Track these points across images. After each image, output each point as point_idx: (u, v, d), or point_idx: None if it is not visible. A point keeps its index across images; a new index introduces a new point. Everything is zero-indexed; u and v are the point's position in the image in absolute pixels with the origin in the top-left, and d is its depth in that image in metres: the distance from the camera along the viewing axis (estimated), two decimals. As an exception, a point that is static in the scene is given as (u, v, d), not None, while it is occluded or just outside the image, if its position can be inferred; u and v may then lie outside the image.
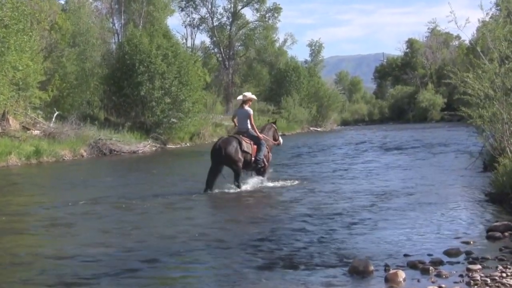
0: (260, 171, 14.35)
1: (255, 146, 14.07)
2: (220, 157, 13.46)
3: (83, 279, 6.53)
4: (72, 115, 31.06)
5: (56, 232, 9.49)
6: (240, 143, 13.70)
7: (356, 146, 28.87)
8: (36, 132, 28.29)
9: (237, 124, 14.49)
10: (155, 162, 25.18)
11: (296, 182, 14.77)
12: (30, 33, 26.78)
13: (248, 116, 14.23)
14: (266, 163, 14.43)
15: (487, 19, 15.89)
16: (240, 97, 14.77)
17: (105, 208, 11.59)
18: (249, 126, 14.21)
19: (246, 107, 14.36)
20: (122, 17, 46.80)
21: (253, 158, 13.98)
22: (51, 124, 29.64)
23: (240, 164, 13.70)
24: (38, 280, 6.52)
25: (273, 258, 7.20)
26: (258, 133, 14.34)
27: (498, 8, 18.20)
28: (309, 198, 12.28)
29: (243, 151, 13.74)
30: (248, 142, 13.97)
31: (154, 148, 32.96)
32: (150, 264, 7.10)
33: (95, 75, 37.03)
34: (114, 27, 47.72)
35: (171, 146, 35.46)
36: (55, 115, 31.00)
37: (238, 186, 13.59)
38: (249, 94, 14.80)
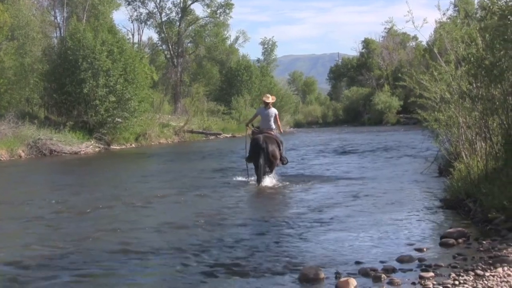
0: (273, 167, 15.38)
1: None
2: (264, 153, 14.67)
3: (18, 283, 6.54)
4: (9, 113, 30.14)
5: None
6: (277, 141, 15.19)
7: (309, 150, 28.54)
8: (-30, 130, 27.07)
9: (260, 123, 15.90)
10: (97, 164, 24.46)
11: (248, 186, 14.97)
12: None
13: (275, 116, 15.68)
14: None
15: (444, 19, 15.80)
16: (269, 100, 15.81)
17: (44, 212, 11.37)
18: (274, 126, 15.66)
19: (272, 108, 15.78)
20: (65, 10, 45.15)
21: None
22: (-13, 123, 28.35)
23: (278, 161, 15.22)
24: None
25: (220, 265, 7.14)
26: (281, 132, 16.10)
27: (455, 8, 17.94)
28: (258, 202, 12.66)
29: (279, 149, 15.20)
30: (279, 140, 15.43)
31: (97, 149, 32.12)
32: (93, 270, 7.04)
33: (35, 71, 35.69)
34: (56, 20, 46.07)
35: (115, 147, 34.49)
36: (-9, 113, 29.63)
37: (259, 182, 14.70)
38: (272, 97, 16.13)
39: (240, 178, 16.11)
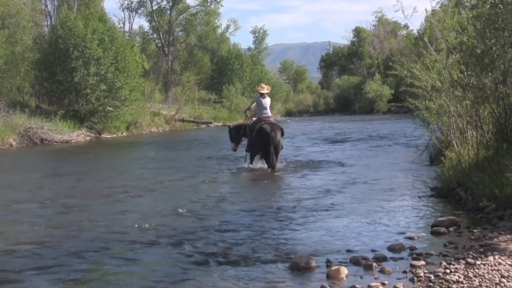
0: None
1: None
2: (273, 141, 15.13)
3: (11, 273, 6.53)
4: (0, 102, 29.89)
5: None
6: (281, 129, 15.75)
7: (301, 138, 28.54)
8: (-40, 119, 26.95)
9: (259, 112, 15.97)
10: (90, 153, 24.25)
11: (242, 173, 15.22)
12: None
13: (270, 105, 16.23)
14: None
15: (436, 8, 15.82)
16: (265, 90, 16.20)
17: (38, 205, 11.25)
18: (271, 114, 16.18)
19: (268, 97, 16.20)
20: (56, -2, 44.84)
21: None
22: (-23, 111, 28.24)
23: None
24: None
25: (211, 254, 7.12)
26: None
27: None
28: (250, 191, 12.63)
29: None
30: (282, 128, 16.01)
31: (88, 138, 32.05)
32: (81, 260, 6.99)
33: (26, 60, 35.52)
34: (46, 9, 45.62)
35: (106, 136, 34.40)
36: (-19, 101, 29.46)
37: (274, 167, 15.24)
38: (267, 87, 16.64)
39: (235, 166, 16.34)
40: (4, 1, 34.71)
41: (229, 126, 17.16)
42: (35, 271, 6.58)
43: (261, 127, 15.43)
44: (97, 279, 6.37)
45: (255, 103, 16.42)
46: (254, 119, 16.30)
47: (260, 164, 15.92)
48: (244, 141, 16.67)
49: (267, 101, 16.04)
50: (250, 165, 15.92)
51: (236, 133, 16.82)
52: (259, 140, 15.35)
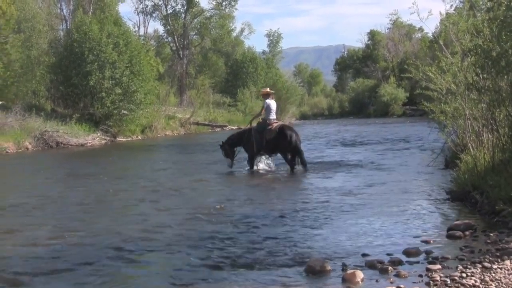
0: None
1: None
2: (290, 146, 15.63)
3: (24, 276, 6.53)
4: (16, 106, 30.30)
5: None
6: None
7: (316, 142, 28.40)
8: (-23, 123, 27.11)
9: (267, 114, 16.26)
10: (106, 156, 24.39)
11: (251, 181, 15.06)
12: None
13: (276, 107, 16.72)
14: None
15: (450, 11, 15.78)
16: (267, 89, 17.11)
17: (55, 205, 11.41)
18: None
19: (274, 100, 16.73)
20: (71, 2, 45.03)
21: None
22: (-6, 115, 28.42)
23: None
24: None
25: (227, 257, 7.11)
26: None
27: (461, 0, 17.90)
28: (266, 195, 12.43)
29: None
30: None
31: (103, 141, 32.18)
32: (94, 264, 6.96)
33: (41, 64, 35.91)
34: (62, 13, 45.89)
35: (121, 139, 34.53)
36: (-2, 105, 29.68)
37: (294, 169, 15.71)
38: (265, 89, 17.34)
39: (254, 168, 16.34)
40: (20, 6, 35.01)
41: (222, 142, 16.77)
42: (50, 274, 6.59)
43: (283, 130, 15.88)
44: (111, 282, 6.37)
45: (265, 106, 16.49)
46: (259, 121, 16.64)
47: (261, 165, 16.30)
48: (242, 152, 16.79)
49: (274, 104, 16.52)
50: (254, 167, 16.17)
51: (231, 147, 16.63)
52: (283, 141, 15.68)
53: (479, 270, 6.14)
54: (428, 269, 6.33)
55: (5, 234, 8.70)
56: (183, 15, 59.60)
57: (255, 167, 16.18)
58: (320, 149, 23.68)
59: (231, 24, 64.69)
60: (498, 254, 6.65)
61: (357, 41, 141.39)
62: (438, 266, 6.40)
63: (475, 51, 10.33)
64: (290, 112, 62.32)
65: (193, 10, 59.46)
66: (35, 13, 36.34)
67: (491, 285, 5.68)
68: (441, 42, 13.82)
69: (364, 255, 7.06)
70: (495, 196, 8.93)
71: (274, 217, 9.52)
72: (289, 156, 15.85)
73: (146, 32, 61.50)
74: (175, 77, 58.38)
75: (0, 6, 32.72)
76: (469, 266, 6.30)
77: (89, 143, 30.24)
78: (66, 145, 28.69)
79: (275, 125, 16.02)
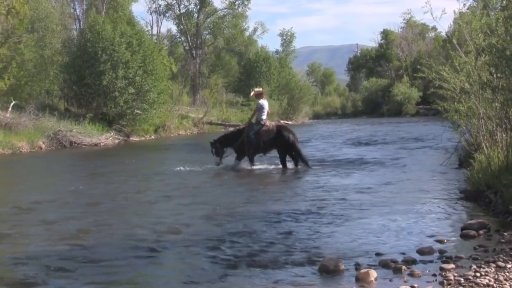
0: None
1: None
2: (289, 145, 16.14)
3: (38, 275, 6.54)
4: (30, 105, 30.38)
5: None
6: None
7: (331, 141, 28.39)
8: (-9, 122, 27.24)
9: (260, 114, 16.54)
10: (121, 156, 24.58)
11: (265, 179, 15.24)
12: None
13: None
14: None
15: (464, 10, 15.72)
16: (260, 89, 17.53)
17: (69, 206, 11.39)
18: None
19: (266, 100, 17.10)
20: (84, 2, 45.12)
21: None
22: (8, 114, 28.63)
23: None
24: None
25: (240, 256, 7.13)
26: None
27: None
28: (279, 193, 12.36)
29: None
30: None
31: (116, 141, 32.21)
32: (112, 262, 7.02)
33: (54, 63, 35.98)
34: (75, 12, 46.04)
35: (134, 139, 34.58)
36: (11, 104, 29.84)
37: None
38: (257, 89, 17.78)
39: (263, 167, 16.59)
40: (34, 5, 35.13)
41: (214, 140, 17.10)
42: (66, 272, 6.63)
43: (280, 131, 16.35)
44: (125, 281, 6.40)
45: (259, 107, 16.78)
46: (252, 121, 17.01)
47: (243, 165, 16.66)
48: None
49: (267, 104, 16.94)
50: (249, 166, 16.55)
51: (222, 146, 16.94)
52: (281, 142, 16.16)
53: (493, 269, 6.13)
54: (442, 269, 6.31)
55: (23, 233, 8.76)
56: (196, 14, 59.61)
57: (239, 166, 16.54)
58: (335, 148, 23.80)
59: (244, 24, 64.58)
60: (512, 253, 6.60)
61: (370, 40, 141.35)
62: (452, 266, 6.38)
63: (489, 50, 10.29)
64: (303, 112, 62.25)
65: (206, 9, 59.47)
66: (49, 12, 36.44)
67: (505, 284, 5.66)
68: (454, 41, 13.74)
69: (377, 254, 7.06)
70: (509, 196, 8.92)
71: (285, 216, 9.51)
72: (283, 155, 16.32)
73: (159, 32, 61.57)
74: (188, 77, 58.41)
75: (13, 6, 32.87)
76: (483, 266, 6.29)
77: (103, 142, 30.30)
78: (80, 145, 28.77)
79: (270, 125, 16.44)
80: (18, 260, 7.12)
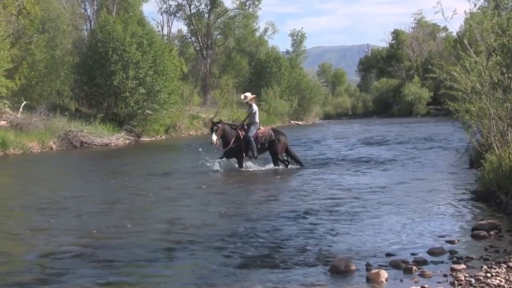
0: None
1: None
2: (283, 148, 16.86)
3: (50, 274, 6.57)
4: (41, 105, 30.51)
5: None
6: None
7: (342, 141, 28.40)
8: (2, 122, 27.49)
9: (252, 118, 16.90)
10: (130, 155, 24.61)
11: (278, 178, 15.33)
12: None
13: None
14: None
15: (474, 10, 15.62)
16: (248, 94, 17.62)
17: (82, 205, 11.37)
18: None
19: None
20: (95, 2, 45.31)
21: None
22: (18, 115, 28.84)
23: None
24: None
25: (250, 256, 7.12)
26: None
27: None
28: (289, 194, 12.22)
29: None
30: None
31: (127, 141, 32.36)
32: (122, 263, 7.00)
33: (65, 64, 36.21)
34: (86, 13, 46.36)
35: (145, 139, 34.72)
36: (22, 105, 30.06)
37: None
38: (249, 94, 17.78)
39: (273, 167, 16.69)
40: (45, 6, 35.31)
41: (220, 120, 18.09)
42: (75, 273, 6.61)
43: (276, 134, 17.00)
44: (138, 280, 6.40)
45: (254, 111, 17.16)
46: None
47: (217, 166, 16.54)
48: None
49: (257, 108, 17.52)
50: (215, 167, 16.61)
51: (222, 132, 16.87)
52: (276, 144, 16.79)
53: (504, 270, 6.11)
54: (452, 269, 6.29)
55: (34, 232, 8.80)
56: (206, 15, 59.73)
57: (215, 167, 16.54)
58: (348, 148, 23.81)
59: (254, 24, 64.67)
60: (523, 254, 6.57)
61: (381, 40, 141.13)
62: (463, 266, 6.36)
63: (500, 50, 10.23)
64: (314, 112, 62.26)
65: (217, 10, 59.59)
66: (59, 13, 36.63)
67: (516, 285, 5.62)
68: (465, 41, 13.66)
69: (388, 254, 7.03)
70: (520, 196, 8.85)
71: (296, 217, 9.50)
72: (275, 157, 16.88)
73: (169, 32, 61.79)
74: (198, 77, 58.48)
75: (24, 6, 33.08)
76: (494, 266, 6.27)
77: (113, 143, 30.43)
78: (90, 145, 28.90)
79: (264, 129, 17.08)
80: (52, 251, 7.45)
